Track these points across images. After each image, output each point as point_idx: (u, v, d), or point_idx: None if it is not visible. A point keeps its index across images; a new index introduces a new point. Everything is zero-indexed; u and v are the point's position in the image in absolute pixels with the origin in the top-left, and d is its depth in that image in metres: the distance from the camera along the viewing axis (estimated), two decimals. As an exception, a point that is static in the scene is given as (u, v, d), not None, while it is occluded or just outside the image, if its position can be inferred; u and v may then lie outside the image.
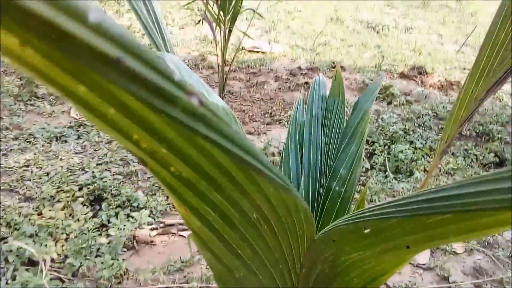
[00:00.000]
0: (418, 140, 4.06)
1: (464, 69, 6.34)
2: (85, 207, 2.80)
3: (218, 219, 0.53)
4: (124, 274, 2.36)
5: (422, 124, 4.37)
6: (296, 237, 0.61)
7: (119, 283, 2.31)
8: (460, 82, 5.53)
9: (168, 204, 2.97)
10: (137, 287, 2.28)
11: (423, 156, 3.78)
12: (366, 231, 0.62)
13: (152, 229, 2.78)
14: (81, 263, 2.42)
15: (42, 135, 3.47)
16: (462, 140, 4.19)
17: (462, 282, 2.45)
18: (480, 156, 3.90)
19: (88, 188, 2.91)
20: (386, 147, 3.88)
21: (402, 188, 3.32)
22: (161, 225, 2.82)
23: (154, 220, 2.84)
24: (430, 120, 4.44)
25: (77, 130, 3.65)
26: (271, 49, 5.96)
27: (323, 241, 0.63)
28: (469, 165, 3.78)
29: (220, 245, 0.57)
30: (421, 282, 2.45)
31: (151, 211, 2.87)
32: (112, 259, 2.42)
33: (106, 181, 2.98)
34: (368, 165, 3.64)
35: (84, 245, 2.53)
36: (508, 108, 4.83)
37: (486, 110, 4.70)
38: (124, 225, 2.69)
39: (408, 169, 3.58)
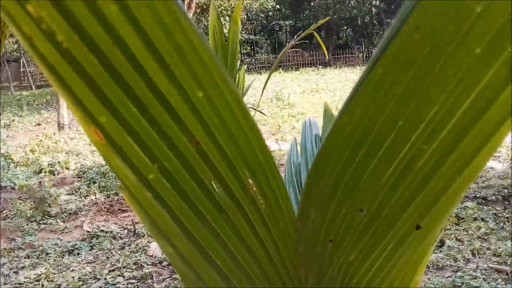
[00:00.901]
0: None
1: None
2: (98, 315, 2.61)
3: (160, 175, 0.45)
4: None
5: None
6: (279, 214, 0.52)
7: None
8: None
9: (187, 303, 2.76)
10: None
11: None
12: (362, 213, 0.54)
13: (170, 331, 2.56)
14: None
15: (54, 250, 3.38)
16: (489, 205, 4.00)
17: None
18: (512, 218, 3.69)
19: (101, 295, 2.75)
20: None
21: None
22: (180, 325, 2.59)
23: (173, 321, 2.62)
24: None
25: (90, 242, 3.56)
26: (279, 147, 6.04)
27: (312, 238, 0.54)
28: (502, 228, 3.56)
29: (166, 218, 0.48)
30: None
31: (168, 312, 2.67)
32: None
33: (119, 286, 2.82)
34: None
35: None
36: (529, 170, 4.68)
37: (506, 173, 4.56)
38: (140, 330, 2.48)
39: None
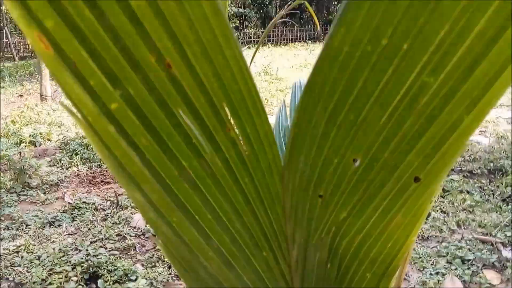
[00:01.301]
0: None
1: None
2: (80, 286, 2.56)
3: (124, 105, 0.37)
4: None
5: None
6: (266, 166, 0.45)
7: None
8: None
9: (170, 274, 2.72)
10: None
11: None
12: (356, 163, 0.47)
13: (153, 302, 2.52)
14: None
15: (34, 222, 3.30)
16: (475, 178, 4.00)
17: (506, 315, 2.14)
18: (497, 191, 3.69)
19: (82, 266, 2.69)
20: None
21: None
22: (163, 296, 2.56)
23: (156, 292, 2.58)
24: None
25: (71, 213, 3.48)
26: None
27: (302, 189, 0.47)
28: (487, 201, 3.56)
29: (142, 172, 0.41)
30: (459, 320, 2.15)
31: (151, 283, 2.62)
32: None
33: (101, 258, 2.76)
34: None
35: (78, 327, 2.27)
36: (515, 145, 4.68)
37: (493, 147, 4.56)
38: (123, 301, 2.44)
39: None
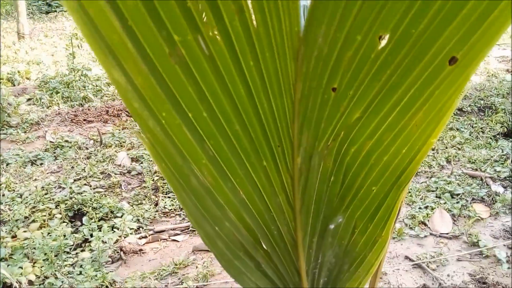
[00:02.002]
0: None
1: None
2: (64, 223, 2.51)
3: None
4: (111, 285, 2.05)
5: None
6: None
7: (104, 295, 2.00)
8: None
9: (157, 211, 2.68)
10: (124, 295, 1.97)
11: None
12: (382, 41, 0.36)
13: (140, 238, 2.49)
14: (62, 282, 2.11)
15: (15, 161, 3.20)
16: (465, 115, 3.96)
17: (494, 246, 2.15)
18: (487, 128, 3.66)
19: (66, 204, 2.63)
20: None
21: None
22: (150, 232, 2.52)
23: (143, 228, 2.54)
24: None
25: (54, 152, 3.39)
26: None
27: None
28: (476, 138, 3.53)
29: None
30: (448, 251, 2.15)
31: (138, 220, 2.58)
32: (95, 270, 2.11)
33: (85, 195, 2.69)
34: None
35: (65, 263, 2.23)
36: (505, 83, 4.62)
37: (483, 85, 4.50)
38: (109, 237, 2.39)
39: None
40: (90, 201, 2.66)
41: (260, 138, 0.47)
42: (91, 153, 3.35)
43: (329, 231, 0.68)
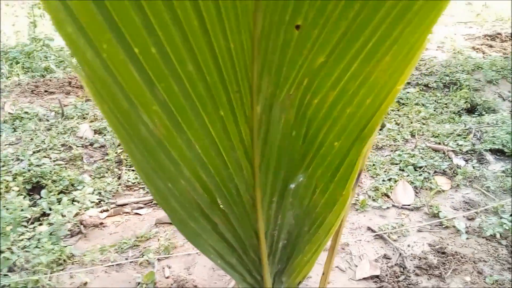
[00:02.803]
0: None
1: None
2: (22, 196, 2.42)
3: None
4: (69, 259, 2.00)
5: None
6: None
7: (62, 269, 1.95)
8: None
9: (120, 184, 2.62)
10: (82, 269, 1.92)
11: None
12: None
13: (102, 211, 2.43)
14: (18, 256, 2.04)
15: (-30, 132, 3.07)
16: (430, 91, 4.00)
17: (454, 217, 2.19)
18: (451, 104, 3.71)
19: (24, 176, 2.54)
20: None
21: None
22: (112, 206, 2.47)
23: (105, 201, 2.49)
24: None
25: (13, 124, 3.26)
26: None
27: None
28: (441, 113, 3.58)
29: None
30: (409, 222, 2.18)
31: (100, 193, 2.52)
32: (53, 244, 2.05)
33: (45, 168, 2.60)
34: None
35: (21, 237, 2.15)
36: (470, 60, 4.68)
37: (449, 62, 4.54)
38: (69, 211, 2.33)
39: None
40: (50, 173, 2.58)
41: (216, 82, 0.42)
42: (52, 125, 3.24)
43: (289, 190, 0.64)
